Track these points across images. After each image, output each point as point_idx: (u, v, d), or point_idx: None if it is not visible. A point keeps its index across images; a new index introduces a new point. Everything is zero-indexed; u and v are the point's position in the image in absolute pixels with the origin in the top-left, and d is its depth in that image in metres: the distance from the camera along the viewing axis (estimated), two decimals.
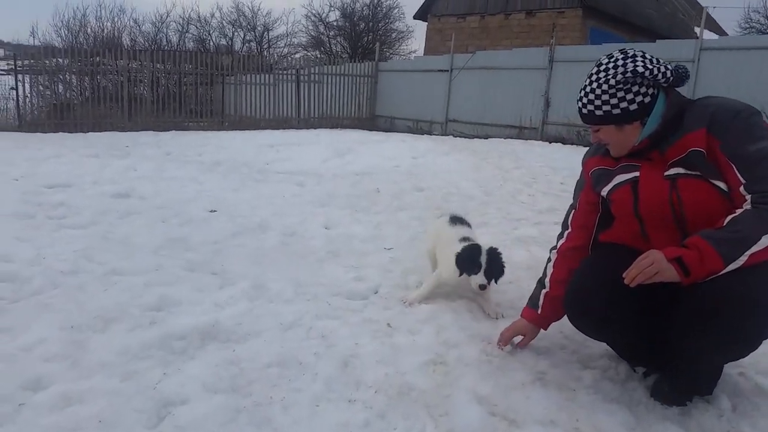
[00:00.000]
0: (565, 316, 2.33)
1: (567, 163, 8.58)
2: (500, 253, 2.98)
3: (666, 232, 2.07)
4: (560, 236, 2.48)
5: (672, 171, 2.04)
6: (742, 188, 1.91)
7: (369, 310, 2.93)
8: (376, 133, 13.23)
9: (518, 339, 2.56)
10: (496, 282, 2.98)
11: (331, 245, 4.05)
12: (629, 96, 2.03)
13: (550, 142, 11.81)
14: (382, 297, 3.12)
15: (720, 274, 1.87)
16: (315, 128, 14.72)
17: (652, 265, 1.90)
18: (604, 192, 2.26)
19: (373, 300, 3.08)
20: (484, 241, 3.09)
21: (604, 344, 2.45)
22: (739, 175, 1.91)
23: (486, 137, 13.17)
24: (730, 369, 2.46)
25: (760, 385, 2.34)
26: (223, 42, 28.07)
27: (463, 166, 8.20)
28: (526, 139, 12.43)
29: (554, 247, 2.49)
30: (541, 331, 2.54)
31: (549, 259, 2.49)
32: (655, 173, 2.08)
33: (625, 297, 2.07)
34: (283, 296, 3.05)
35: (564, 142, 11.83)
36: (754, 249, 1.86)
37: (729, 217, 1.91)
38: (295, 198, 5.64)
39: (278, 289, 3.12)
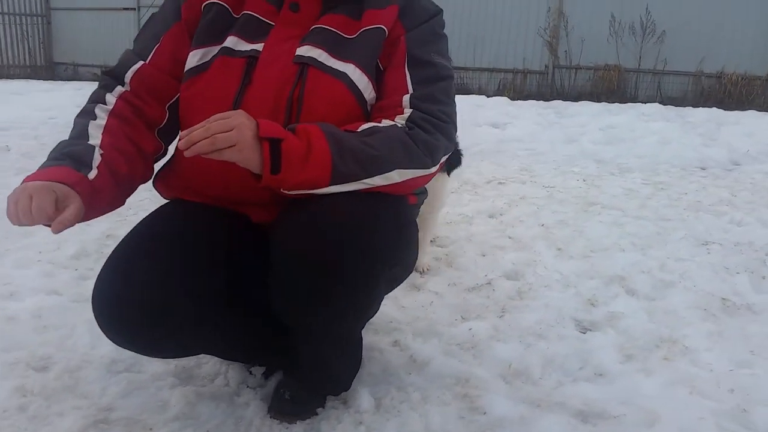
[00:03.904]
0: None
1: None
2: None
3: None
4: (107, 88, 1.40)
5: (307, 50, 1.33)
6: (407, 97, 1.33)
7: None
8: (48, 83, 10.99)
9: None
10: (448, 171, 2.37)
11: None
12: None
13: None
14: None
15: (316, 193, 1.20)
16: None
17: (230, 133, 1.10)
18: (196, 57, 1.36)
19: None
20: None
21: None
22: (409, 81, 1.34)
23: None
24: (383, 336, 1.91)
25: (416, 357, 1.79)
26: None
27: None
28: None
29: (102, 102, 1.38)
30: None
31: (93, 115, 1.35)
32: (286, 49, 1.34)
33: (204, 285, 1.31)
34: None
35: None
36: (378, 182, 1.23)
37: (370, 124, 1.27)
38: None
39: None
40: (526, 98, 8.33)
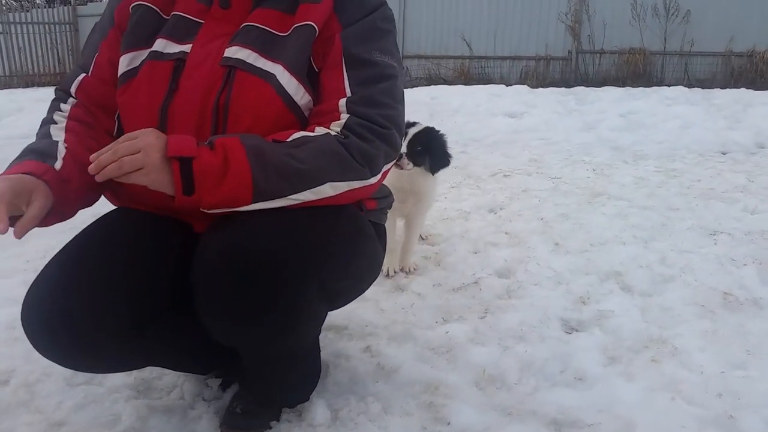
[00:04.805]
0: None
1: None
2: (443, 136, 2.29)
3: None
4: (61, 99, 1.36)
5: (235, 51, 1.26)
6: (343, 101, 1.24)
7: None
8: None
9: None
10: (432, 171, 2.29)
11: None
12: None
13: None
14: None
15: (240, 210, 1.14)
16: (2, 88, 12.13)
17: (137, 156, 1.06)
18: (126, 62, 1.31)
19: None
20: None
21: None
22: (347, 83, 1.25)
23: None
24: (357, 342, 1.84)
25: (385, 364, 1.72)
26: None
27: None
28: None
29: (58, 109, 1.34)
30: None
31: (53, 121, 1.31)
32: (214, 49, 1.28)
33: (149, 295, 1.27)
34: None
35: None
36: (309, 197, 1.16)
37: (301, 133, 1.20)
38: None
39: None
40: (549, 85, 8.14)
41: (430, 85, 8.28)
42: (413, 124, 2.22)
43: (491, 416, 1.51)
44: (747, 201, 3.21)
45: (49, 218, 1.18)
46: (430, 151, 2.24)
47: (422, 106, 6.36)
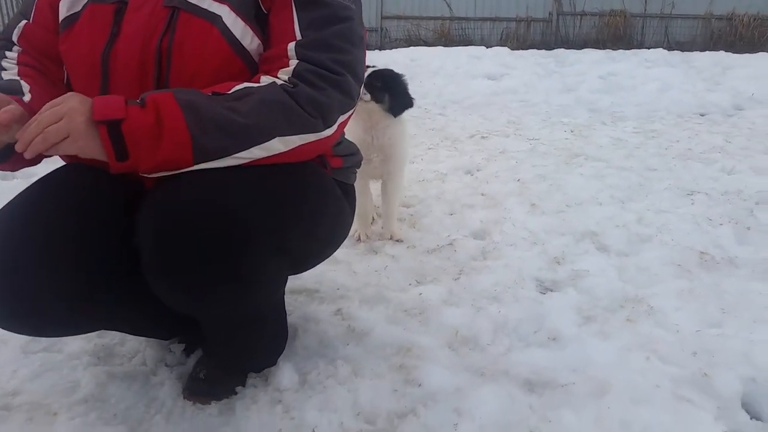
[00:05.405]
0: None
1: None
2: (404, 77, 2.19)
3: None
4: (6, 47, 1.30)
5: None
6: (292, 45, 1.13)
7: None
8: None
9: None
10: (394, 112, 2.14)
11: None
12: None
13: None
14: None
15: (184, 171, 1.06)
16: None
17: (59, 123, 0.98)
18: (66, 6, 1.23)
19: None
20: None
21: None
22: (297, 25, 1.14)
23: None
24: (328, 305, 1.79)
25: (356, 326, 1.68)
26: None
27: None
28: None
29: (5, 57, 1.29)
30: None
31: (2, 69, 1.26)
32: None
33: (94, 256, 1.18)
34: None
35: None
36: (258, 154, 1.08)
37: (242, 85, 1.10)
38: None
39: None
40: (529, 47, 8.03)
41: (409, 46, 8.12)
42: (371, 66, 2.09)
43: (463, 377, 1.47)
44: (724, 162, 3.19)
45: (18, 160, 1.13)
46: (391, 90, 2.11)
47: (401, 67, 6.21)
